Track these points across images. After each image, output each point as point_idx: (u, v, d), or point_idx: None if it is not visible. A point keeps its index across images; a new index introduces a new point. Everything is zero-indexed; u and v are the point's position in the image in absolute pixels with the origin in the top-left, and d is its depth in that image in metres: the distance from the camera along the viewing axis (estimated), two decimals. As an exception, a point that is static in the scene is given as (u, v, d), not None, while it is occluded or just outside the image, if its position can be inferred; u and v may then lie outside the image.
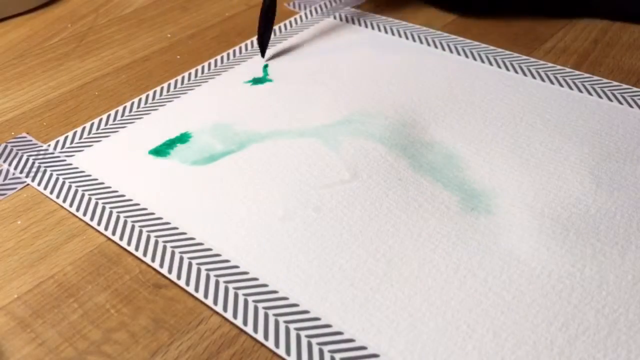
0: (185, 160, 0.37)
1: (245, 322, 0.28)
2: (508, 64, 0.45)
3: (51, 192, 0.36)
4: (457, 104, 0.41)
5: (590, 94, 0.41)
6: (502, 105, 0.41)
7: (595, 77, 0.43)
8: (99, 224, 0.33)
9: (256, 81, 0.45)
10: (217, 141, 0.39)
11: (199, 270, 0.30)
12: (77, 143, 0.40)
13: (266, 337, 0.27)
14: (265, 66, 0.46)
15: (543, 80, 0.43)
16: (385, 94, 0.42)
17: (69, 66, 0.48)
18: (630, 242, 0.31)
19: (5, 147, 0.40)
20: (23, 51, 0.51)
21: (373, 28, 0.50)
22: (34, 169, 0.38)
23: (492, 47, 0.46)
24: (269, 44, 0.47)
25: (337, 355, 0.26)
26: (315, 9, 0.53)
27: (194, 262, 0.31)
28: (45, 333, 0.28)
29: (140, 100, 0.43)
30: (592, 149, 0.36)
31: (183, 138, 0.39)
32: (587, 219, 0.32)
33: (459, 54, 0.46)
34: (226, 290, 0.29)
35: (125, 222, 0.33)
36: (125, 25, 0.54)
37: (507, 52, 0.46)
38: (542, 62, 0.45)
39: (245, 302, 0.29)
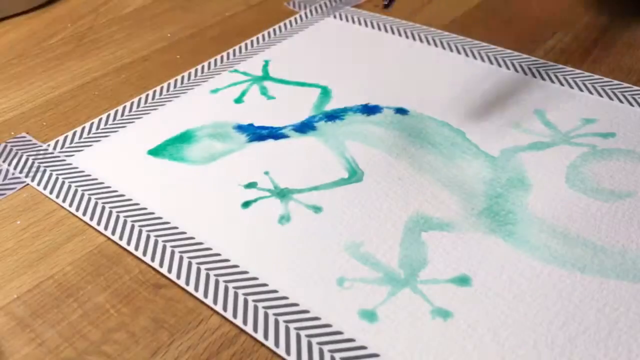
0: (185, 159, 0.37)
1: (245, 322, 0.28)
2: (509, 63, 0.45)
3: (51, 192, 0.36)
4: (457, 103, 0.41)
5: (590, 92, 0.41)
6: (503, 104, 0.40)
7: (596, 76, 0.43)
8: (98, 223, 0.33)
9: (256, 80, 0.45)
10: (217, 140, 0.39)
11: (198, 270, 0.30)
12: (77, 143, 0.40)
13: (266, 336, 0.27)
14: (265, 66, 0.46)
15: (543, 79, 0.43)
16: (385, 93, 0.42)
17: (69, 66, 0.48)
18: (631, 240, 0.31)
19: (5, 147, 0.40)
20: (23, 51, 0.51)
21: (373, 27, 0.50)
22: (33, 169, 0.38)
23: (492, 46, 0.46)
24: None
25: (337, 355, 0.26)
26: (315, 9, 0.53)
27: (193, 261, 0.31)
28: (45, 333, 0.28)
29: (140, 99, 0.43)
30: (594, 148, 0.36)
31: (183, 137, 0.39)
32: (587, 217, 0.32)
33: (459, 52, 0.46)
34: (226, 289, 0.29)
35: (125, 222, 0.33)
36: (125, 25, 0.54)
37: (508, 50, 0.46)
38: (542, 61, 0.45)
39: (245, 302, 0.29)
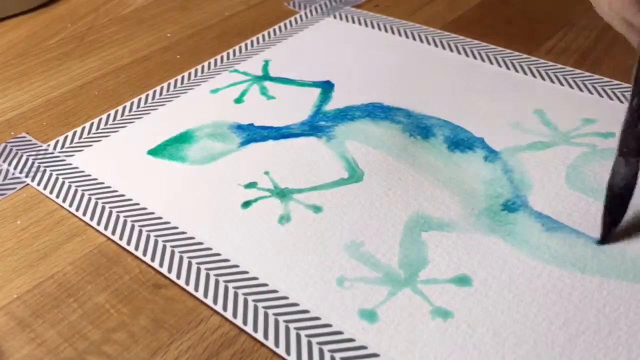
0: (185, 159, 0.37)
1: (245, 322, 0.28)
2: (509, 63, 0.44)
3: (51, 192, 0.36)
4: (457, 102, 0.41)
5: (590, 92, 0.41)
6: (503, 104, 0.40)
7: (596, 76, 0.43)
8: (98, 223, 0.33)
9: (256, 80, 0.45)
10: (217, 140, 0.39)
11: (198, 270, 0.30)
12: (77, 143, 0.40)
13: (266, 336, 0.27)
14: (265, 66, 0.46)
15: (543, 79, 0.43)
16: (385, 93, 0.42)
17: (69, 66, 0.48)
18: (631, 240, 0.31)
19: (5, 147, 0.40)
20: (23, 51, 0.51)
21: (373, 27, 0.50)
22: (33, 169, 0.38)
23: (492, 46, 0.46)
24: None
25: (337, 355, 0.26)
26: (315, 9, 0.53)
27: (193, 261, 0.31)
28: (45, 333, 0.28)
29: (140, 100, 0.43)
30: (594, 148, 0.36)
31: (182, 137, 0.39)
32: (588, 217, 0.32)
33: (459, 52, 0.46)
34: (226, 289, 0.29)
35: (125, 222, 0.33)
36: (125, 25, 0.54)
37: (508, 51, 0.46)
38: (542, 60, 0.45)
39: (245, 302, 0.29)
